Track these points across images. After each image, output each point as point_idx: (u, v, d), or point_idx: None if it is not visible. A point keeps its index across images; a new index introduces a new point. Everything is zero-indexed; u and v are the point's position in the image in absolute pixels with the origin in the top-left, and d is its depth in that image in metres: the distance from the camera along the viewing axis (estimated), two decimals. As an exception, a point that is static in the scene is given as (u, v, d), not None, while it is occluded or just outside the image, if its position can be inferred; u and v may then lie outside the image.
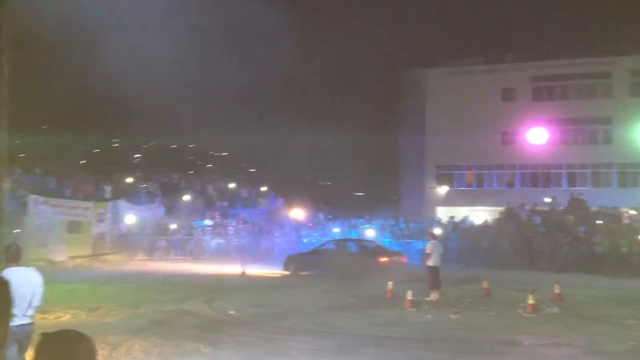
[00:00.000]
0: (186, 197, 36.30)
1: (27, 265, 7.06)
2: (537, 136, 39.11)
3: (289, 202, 35.32)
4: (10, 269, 6.56)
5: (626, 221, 27.96)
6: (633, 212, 29.06)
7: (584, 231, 26.68)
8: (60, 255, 24.21)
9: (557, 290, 16.70)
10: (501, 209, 32.22)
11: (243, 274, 22.91)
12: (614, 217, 28.41)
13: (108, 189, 33.55)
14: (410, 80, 42.56)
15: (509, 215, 30.34)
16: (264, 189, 42.18)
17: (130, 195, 33.11)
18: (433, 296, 16.59)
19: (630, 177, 37.87)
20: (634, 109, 37.22)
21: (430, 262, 17.15)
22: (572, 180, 38.57)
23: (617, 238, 25.55)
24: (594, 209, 29.83)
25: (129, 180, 39.04)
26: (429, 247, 17.55)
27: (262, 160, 48.41)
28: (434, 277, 17.02)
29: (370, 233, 30.49)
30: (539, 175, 39.73)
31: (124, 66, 28.70)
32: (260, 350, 10.41)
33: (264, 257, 29.13)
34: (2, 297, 2.21)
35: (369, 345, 11.01)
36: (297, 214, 33.07)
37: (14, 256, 6.76)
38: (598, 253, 25.05)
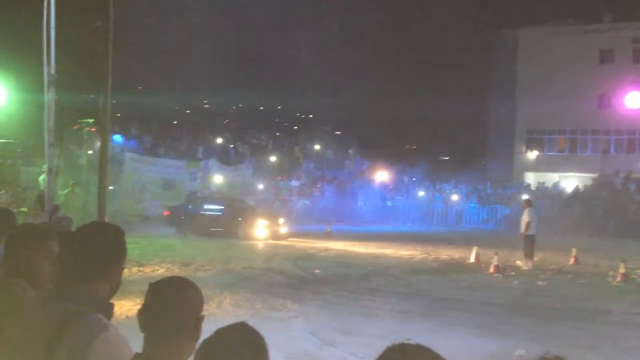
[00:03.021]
0: (273, 158, 37.06)
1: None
2: (635, 100, 37.15)
3: (375, 165, 35.39)
4: None
5: None
6: None
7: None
8: (155, 211, 25.39)
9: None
10: (594, 175, 31.07)
11: (329, 233, 23.27)
12: None
13: (200, 148, 34.70)
14: (502, 40, 41.26)
15: (602, 183, 29.25)
16: (350, 151, 42.37)
17: (220, 155, 34.11)
18: (525, 264, 16.34)
19: None
20: None
21: (530, 231, 16.75)
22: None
23: None
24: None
25: (219, 140, 40.15)
26: (526, 214, 17.08)
27: (348, 123, 48.52)
28: (530, 246, 16.64)
29: (455, 198, 30.23)
30: (636, 141, 37.86)
31: (209, 32, 29.34)
32: (345, 309, 10.72)
33: (349, 218, 29.52)
34: (119, 244, 2.37)
35: (453, 308, 11.10)
36: (382, 176, 33.12)
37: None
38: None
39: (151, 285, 2.13)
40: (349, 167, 36.11)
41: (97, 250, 2.30)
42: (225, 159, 33.86)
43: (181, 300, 2.12)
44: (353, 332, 9.07)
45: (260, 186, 31.55)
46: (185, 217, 22.40)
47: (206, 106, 64.24)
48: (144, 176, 26.73)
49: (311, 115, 68.19)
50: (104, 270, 2.31)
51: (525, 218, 17.04)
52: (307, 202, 30.94)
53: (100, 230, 2.45)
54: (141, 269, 13.96)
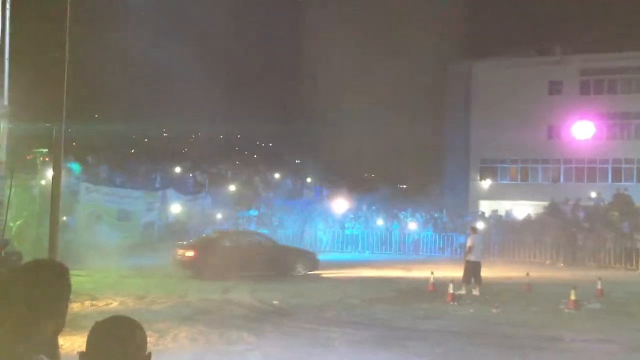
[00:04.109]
0: (232, 188, 36.95)
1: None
2: (583, 130, 38.54)
3: (334, 193, 35.61)
4: None
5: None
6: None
7: (628, 226, 26.28)
8: (111, 243, 24.98)
9: (599, 286, 16.60)
10: (545, 203, 31.90)
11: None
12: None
13: (157, 178, 34.42)
14: (456, 72, 42.30)
15: (552, 210, 30.00)
16: (308, 179, 42.57)
17: (179, 184, 33.89)
18: (475, 291, 16.70)
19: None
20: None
21: (472, 257, 17.22)
22: (617, 176, 37.89)
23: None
24: (639, 204, 29.31)
25: (178, 169, 39.92)
26: (470, 240, 17.63)
27: (308, 152, 48.82)
28: (475, 272, 17.06)
29: (412, 226, 30.59)
30: (584, 170, 39.11)
31: (171, 58, 29.37)
32: (302, 341, 10.74)
33: (309, 247, 29.57)
34: (62, 283, 2.32)
35: (410, 338, 11.22)
36: (341, 204, 33.33)
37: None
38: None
39: (92, 328, 2.14)
40: (308, 195, 36.28)
41: (40, 291, 2.27)
42: (184, 188, 33.66)
43: (124, 341, 2.13)
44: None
45: (219, 216, 31.41)
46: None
47: (165, 134, 63.82)
48: (99, 207, 26.35)
49: (271, 144, 68.38)
50: (48, 309, 2.28)
51: (468, 243, 17.52)
52: (266, 231, 30.89)
53: (41, 269, 2.39)
54: (94, 302, 13.75)
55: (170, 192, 30.32)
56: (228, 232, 24.72)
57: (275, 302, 14.85)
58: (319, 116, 50.46)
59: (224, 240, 21.29)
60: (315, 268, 21.16)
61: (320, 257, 23.84)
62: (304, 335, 11.18)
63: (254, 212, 32.41)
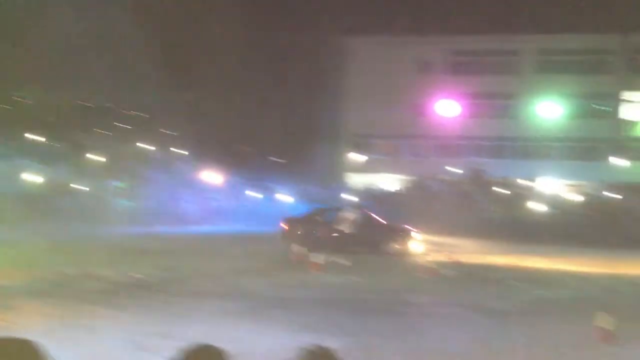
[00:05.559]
0: (98, 158, 35.21)
1: None
2: (448, 109, 40.51)
3: (203, 165, 34.93)
4: None
5: (522, 191, 29.60)
6: (529, 183, 30.77)
7: (482, 200, 28.08)
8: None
9: (455, 253, 17.54)
10: (412, 178, 33.23)
11: (155, 234, 22.63)
12: (512, 187, 29.97)
13: (14, 146, 32.06)
14: (332, 47, 42.70)
15: (419, 185, 31.32)
16: (178, 151, 41.50)
17: (36, 153, 31.83)
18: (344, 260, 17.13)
19: (528, 150, 39.99)
20: (538, 86, 39.14)
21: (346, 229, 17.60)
22: (477, 152, 40.16)
23: (512, 206, 27.18)
24: (495, 179, 31.29)
25: (38, 138, 37.42)
26: (349, 214, 18.01)
27: (179, 122, 47.47)
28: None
29: (284, 198, 30.75)
30: (450, 146, 41.09)
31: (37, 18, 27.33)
32: (163, 313, 10.42)
33: (176, 219, 28.98)
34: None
35: (274, 308, 11.21)
36: (211, 177, 32.80)
37: None
38: (494, 219, 26.48)
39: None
40: (178, 166, 35.29)
41: None
42: (46, 158, 31.63)
43: None
44: (170, 336, 8.80)
45: (83, 187, 29.91)
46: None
47: (25, 101, 59.60)
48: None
49: (142, 114, 65.85)
50: None
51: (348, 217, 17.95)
52: (131, 203, 29.84)
53: None
54: None
55: (28, 161, 28.43)
56: (328, 208, 23.27)
57: (136, 275, 14.32)
58: (191, 87, 49.26)
59: (322, 215, 21.07)
60: (407, 245, 19.89)
61: (187, 229, 23.45)
62: (166, 308, 10.86)
63: (120, 184, 31.16)
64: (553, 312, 11.54)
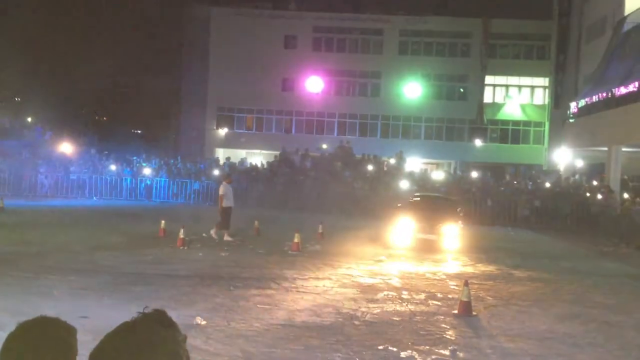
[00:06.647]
0: None
1: None
2: (313, 85, 41.11)
3: (58, 136, 32.97)
4: None
5: (385, 168, 30.76)
6: (392, 161, 32.02)
7: (349, 176, 28.81)
8: None
9: (320, 230, 17.99)
10: (277, 152, 33.47)
11: (1, 209, 21.18)
12: (376, 164, 31.05)
13: None
14: (195, 16, 41.75)
15: (283, 160, 31.58)
16: (29, 119, 38.90)
17: None
18: (217, 234, 16.95)
19: (392, 129, 41.60)
20: (400, 66, 40.69)
21: (228, 203, 17.39)
22: (342, 129, 41.25)
23: (377, 183, 28.13)
24: (359, 156, 32.28)
25: None
26: (222, 189, 17.76)
27: (30, 90, 44.37)
28: (227, 218, 17.28)
29: (146, 171, 29.82)
30: (314, 122, 41.80)
31: None
32: (17, 290, 9.84)
33: (28, 193, 27.31)
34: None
35: (137, 283, 10.94)
36: (67, 148, 31.06)
37: None
38: (361, 196, 27.27)
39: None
40: (29, 137, 33.04)
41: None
42: None
43: None
44: (26, 313, 8.27)
45: None
46: None
47: None
48: None
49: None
50: None
51: (220, 191, 17.73)
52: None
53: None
54: None
55: None
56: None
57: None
58: (43, 53, 46.26)
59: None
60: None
61: (41, 203, 22.15)
62: (20, 284, 10.25)
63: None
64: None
